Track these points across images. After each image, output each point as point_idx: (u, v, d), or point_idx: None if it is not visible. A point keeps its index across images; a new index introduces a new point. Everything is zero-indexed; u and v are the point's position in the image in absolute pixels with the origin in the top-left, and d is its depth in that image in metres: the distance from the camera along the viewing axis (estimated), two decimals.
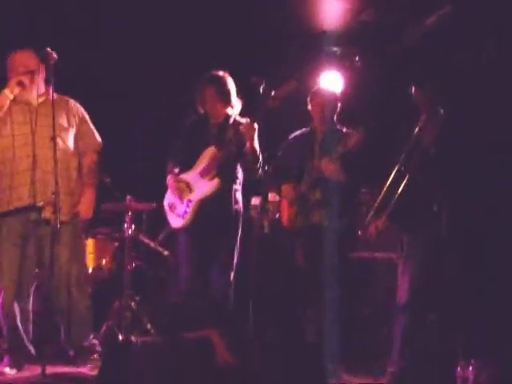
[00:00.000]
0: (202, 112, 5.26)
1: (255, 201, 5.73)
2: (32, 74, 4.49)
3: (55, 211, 4.24)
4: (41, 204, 4.43)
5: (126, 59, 6.43)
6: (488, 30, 5.33)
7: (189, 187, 5.14)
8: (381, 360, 5.04)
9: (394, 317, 4.92)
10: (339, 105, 5.39)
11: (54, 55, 4.40)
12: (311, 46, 6.54)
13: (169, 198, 5.26)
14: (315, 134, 5.39)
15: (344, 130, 5.33)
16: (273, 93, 4.88)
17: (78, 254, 4.67)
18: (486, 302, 4.70)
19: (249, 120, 4.99)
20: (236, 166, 5.19)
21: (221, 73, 5.18)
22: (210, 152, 5.12)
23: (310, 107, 5.40)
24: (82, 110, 4.75)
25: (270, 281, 5.65)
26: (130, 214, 5.79)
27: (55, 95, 4.60)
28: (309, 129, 5.44)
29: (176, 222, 5.20)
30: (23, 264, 4.50)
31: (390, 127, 5.38)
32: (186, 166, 5.21)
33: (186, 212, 5.11)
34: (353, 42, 6.62)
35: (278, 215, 5.72)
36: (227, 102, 5.17)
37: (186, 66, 6.18)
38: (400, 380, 4.70)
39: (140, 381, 3.60)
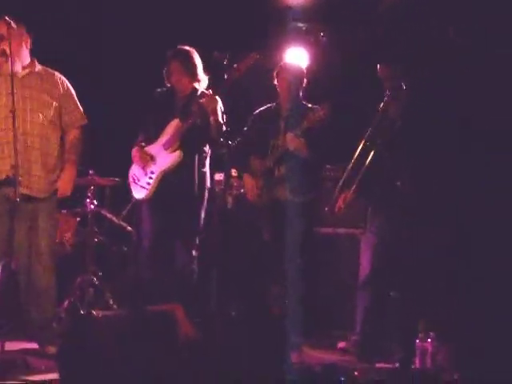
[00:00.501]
0: (169, 86, 5.23)
1: (219, 176, 5.70)
2: (12, 42, 4.34)
3: (15, 185, 4.14)
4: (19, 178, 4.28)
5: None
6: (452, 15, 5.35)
7: (152, 159, 5.12)
8: (343, 333, 5.11)
9: (356, 292, 4.97)
10: (305, 80, 5.38)
11: (13, 24, 4.29)
12: (277, 21, 6.49)
13: (133, 169, 5.25)
14: (281, 109, 5.38)
15: (309, 105, 5.33)
16: (234, 65, 4.87)
17: (51, 230, 4.58)
18: (445, 279, 4.76)
19: (210, 92, 4.98)
20: (201, 139, 5.16)
21: (186, 47, 5.16)
22: (173, 124, 5.12)
23: (276, 82, 5.39)
24: (67, 84, 4.65)
25: (234, 256, 5.64)
26: (92, 188, 5.74)
27: (41, 68, 4.56)
28: (274, 104, 5.43)
29: (139, 193, 5.19)
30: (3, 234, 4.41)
31: (355, 103, 5.41)
32: (153, 138, 5.20)
33: (148, 183, 5.11)
34: (318, 18, 6.59)
35: (242, 190, 5.71)
36: (193, 75, 5.15)
37: (152, 41, 6.09)
38: (362, 348, 4.78)
39: (101, 354, 3.57)
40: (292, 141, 5.11)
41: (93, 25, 6.38)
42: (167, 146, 5.10)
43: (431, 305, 4.65)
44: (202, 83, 5.20)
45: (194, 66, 5.14)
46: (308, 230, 5.25)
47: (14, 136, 4.15)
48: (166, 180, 5.10)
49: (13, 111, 4.17)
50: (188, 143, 5.10)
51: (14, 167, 4.14)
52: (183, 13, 6.29)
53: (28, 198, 4.38)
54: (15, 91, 4.30)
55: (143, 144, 5.22)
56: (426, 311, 4.58)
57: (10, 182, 4.24)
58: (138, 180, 5.18)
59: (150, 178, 5.11)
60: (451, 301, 4.69)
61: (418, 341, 4.40)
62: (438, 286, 4.72)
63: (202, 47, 5.16)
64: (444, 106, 4.72)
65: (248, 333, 4.01)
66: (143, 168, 5.14)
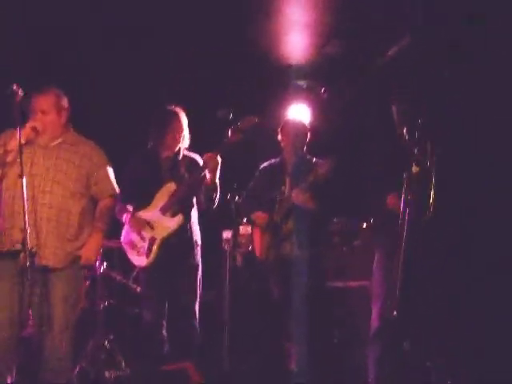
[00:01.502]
0: (152, 147, 5.21)
1: (227, 234, 5.72)
2: (48, 117, 4.43)
3: (25, 250, 4.13)
4: (34, 249, 4.21)
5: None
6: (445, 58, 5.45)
7: (150, 225, 5.10)
8: None
9: (367, 344, 4.93)
10: (309, 135, 5.45)
11: (20, 93, 4.36)
12: (278, 79, 6.61)
13: (127, 236, 5.19)
14: (285, 164, 5.44)
15: (314, 159, 5.38)
16: (232, 128, 4.93)
17: (70, 299, 4.48)
18: (458, 326, 4.72)
19: (214, 152, 4.97)
20: (192, 200, 5.17)
21: (178, 108, 5.21)
22: (169, 188, 5.10)
23: (280, 137, 5.46)
24: (100, 154, 4.65)
25: (244, 314, 5.62)
26: (101, 251, 5.74)
27: (76, 135, 4.59)
28: (278, 159, 5.48)
29: (139, 260, 5.14)
30: (13, 310, 4.33)
31: (358, 157, 5.45)
32: (141, 203, 5.15)
33: (149, 249, 5.05)
34: (318, 75, 6.71)
35: (250, 247, 5.71)
36: (183, 136, 5.19)
37: (143, 99, 6.17)
38: None
39: None
40: (298, 196, 5.15)
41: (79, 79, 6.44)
42: (166, 211, 5.07)
43: (445, 353, 4.60)
44: (185, 143, 5.22)
45: (185, 127, 5.19)
46: (317, 283, 5.24)
47: (22, 199, 4.14)
48: (167, 245, 5.06)
49: (21, 176, 4.17)
50: (184, 206, 5.10)
51: (23, 231, 4.12)
52: (183, 69, 6.39)
53: (44, 269, 4.37)
54: (42, 161, 4.39)
55: (131, 209, 5.17)
56: (441, 359, 4.53)
57: (21, 250, 4.18)
58: (136, 246, 5.13)
59: (151, 244, 5.06)
60: (465, 348, 4.64)
61: None
62: (452, 333, 4.67)
63: (203, 105, 5.23)
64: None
65: None
66: (139, 234, 5.10)
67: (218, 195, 5.08)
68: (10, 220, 4.37)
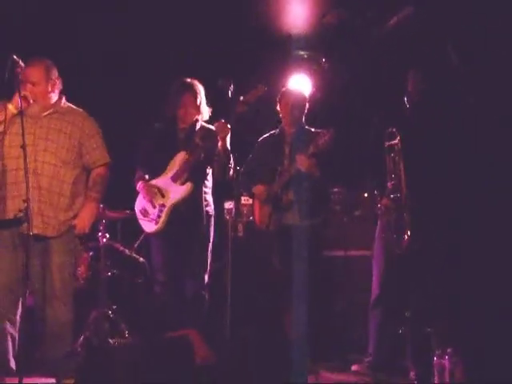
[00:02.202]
0: (170, 117, 5.29)
1: (229, 204, 5.75)
2: (38, 88, 4.46)
3: (27, 220, 4.18)
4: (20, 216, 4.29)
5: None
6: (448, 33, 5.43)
7: (160, 192, 5.18)
8: (358, 357, 5.11)
9: (368, 312, 4.98)
10: (307, 105, 5.45)
11: (21, 63, 4.38)
12: (279, 49, 6.59)
13: (140, 203, 5.29)
14: (284, 134, 5.45)
15: (312, 129, 5.39)
16: (241, 98, 4.94)
17: (66, 267, 4.53)
18: (458, 291, 4.75)
19: (223, 120, 5.01)
20: (205, 169, 5.22)
21: (195, 81, 5.25)
22: (180, 157, 5.18)
23: (278, 108, 5.46)
24: (91, 123, 4.66)
25: (246, 283, 5.66)
26: (104, 222, 5.79)
27: (67, 105, 4.61)
28: (278, 130, 5.49)
29: (149, 226, 5.22)
30: (8, 277, 4.41)
31: (355, 128, 5.47)
32: (155, 171, 5.25)
33: (159, 216, 5.14)
34: (319, 45, 6.69)
35: (251, 218, 5.74)
36: (199, 108, 5.24)
37: (152, 70, 6.19)
38: (376, 368, 4.77)
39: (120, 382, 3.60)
40: (304, 162, 5.14)
41: (91, 54, 6.45)
42: (176, 179, 5.15)
43: (446, 319, 4.64)
44: (204, 115, 5.29)
45: (201, 99, 5.24)
46: (319, 252, 5.28)
47: (25, 170, 4.19)
48: (176, 211, 5.14)
49: (24, 147, 4.22)
50: (196, 174, 5.15)
51: (26, 202, 4.17)
52: (183, 42, 6.38)
53: (40, 237, 4.41)
54: (32, 131, 4.40)
55: (146, 177, 5.27)
56: (441, 326, 4.57)
57: (22, 219, 4.26)
58: (147, 213, 5.22)
59: (161, 210, 5.15)
60: (467, 314, 4.67)
61: (435, 358, 4.37)
62: (452, 299, 4.71)
63: (204, 75, 5.24)
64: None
65: (262, 356, 4.02)
66: (151, 201, 5.19)
67: (231, 164, 5.10)
68: (5, 190, 4.41)
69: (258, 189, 5.40)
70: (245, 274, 5.68)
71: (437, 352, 4.37)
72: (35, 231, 4.33)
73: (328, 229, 5.52)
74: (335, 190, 5.82)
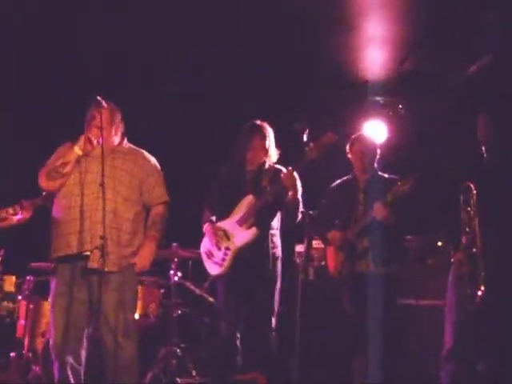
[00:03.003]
0: (239, 159, 5.32)
1: (300, 248, 5.74)
2: (103, 132, 4.56)
3: (102, 255, 4.27)
4: (87, 253, 4.44)
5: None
6: None
7: (226, 235, 5.18)
8: None
9: (441, 364, 4.87)
10: (378, 151, 5.42)
11: (104, 104, 4.52)
12: (356, 94, 6.61)
13: (206, 245, 5.29)
14: (357, 181, 5.41)
15: (386, 176, 5.36)
16: (311, 144, 4.95)
17: (127, 302, 4.58)
18: None
19: (290, 168, 5.02)
20: (273, 214, 5.22)
21: (265, 123, 5.29)
22: (247, 200, 5.17)
23: (349, 155, 5.45)
24: (151, 162, 4.77)
25: (315, 327, 5.61)
26: (176, 260, 5.86)
27: (129, 146, 4.75)
28: (350, 176, 5.47)
29: (214, 269, 5.21)
30: (70, 312, 4.48)
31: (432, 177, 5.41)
32: (223, 213, 5.26)
33: (223, 259, 5.12)
34: (396, 91, 6.68)
35: (323, 262, 5.71)
36: (267, 151, 5.27)
37: (228, 114, 6.28)
38: None
39: None
40: (380, 210, 5.09)
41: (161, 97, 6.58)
42: (242, 223, 5.13)
43: None
44: (272, 157, 5.31)
45: (270, 142, 5.27)
46: (392, 301, 5.19)
47: (103, 209, 4.32)
48: (242, 255, 5.11)
49: (102, 184, 4.34)
50: (262, 219, 5.14)
51: (102, 238, 4.28)
52: (260, 85, 6.46)
53: (97, 272, 4.42)
54: (95, 169, 4.52)
55: (213, 219, 5.30)
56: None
57: (80, 256, 4.42)
58: (213, 256, 5.20)
59: (226, 254, 5.12)
60: None
61: None
62: None
63: (280, 119, 5.28)
64: None
65: None
66: (216, 244, 5.19)
67: (299, 212, 5.10)
68: (66, 226, 4.51)
69: (333, 235, 5.35)
70: (314, 318, 5.64)
71: None
72: (95, 265, 4.40)
73: (402, 277, 5.43)
74: (408, 237, 5.74)
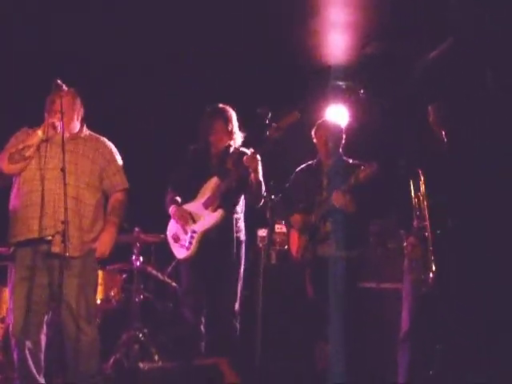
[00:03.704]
0: (204, 142, 5.33)
1: (262, 232, 5.75)
2: (65, 117, 4.52)
3: (64, 240, 4.25)
4: (49, 238, 4.43)
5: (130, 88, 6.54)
6: (488, 61, 5.41)
7: (192, 218, 5.19)
8: None
9: (398, 346, 4.93)
10: (344, 136, 5.45)
11: (64, 87, 4.48)
12: (317, 80, 6.62)
13: (172, 228, 5.31)
14: (321, 166, 5.44)
15: (350, 161, 5.39)
16: (274, 124, 4.96)
17: (88, 287, 4.60)
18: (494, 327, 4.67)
19: (252, 151, 5.05)
20: (238, 195, 5.25)
21: (227, 106, 5.30)
22: (213, 183, 5.20)
23: (314, 140, 5.47)
24: (111, 149, 4.78)
25: (277, 311, 5.64)
26: (138, 245, 5.83)
27: (89, 132, 4.73)
28: (315, 161, 5.50)
29: (181, 252, 5.23)
30: (31, 297, 4.46)
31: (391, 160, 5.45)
32: (188, 196, 5.27)
33: (190, 243, 5.14)
34: (358, 76, 6.70)
35: (286, 246, 5.73)
36: (231, 134, 5.28)
37: (190, 97, 6.26)
38: None
39: None
40: (338, 198, 5.13)
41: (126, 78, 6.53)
42: (208, 205, 5.16)
43: (480, 355, 4.57)
44: (237, 140, 5.33)
45: (233, 125, 5.28)
46: (353, 285, 5.24)
47: (65, 194, 4.29)
48: (207, 238, 5.15)
49: (63, 169, 4.32)
50: (228, 201, 5.17)
51: (64, 222, 4.25)
52: (222, 69, 6.44)
53: (60, 257, 4.42)
54: (56, 155, 4.49)
55: (179, 200, 5.30)
56: (475, 361, 4.50)
57: (42, 241, 4.40)
58: (179, 239, 5.23)
59: (192, 237, 5.15)
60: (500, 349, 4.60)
61: None
62: (487, 335, 4.63)
63: (242, 103, 5.28)
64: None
65: None
66: (183, 227, 5.21)
67: (263, 193, 5.13)
68: (27, 211, 4.48)
69: (296, 218, 5.38)
70: (276, 302, 5.67)
71: None
72: (57, 250, 4.39)
73: (364, 261, 5.48)
74: (371, 222, 5.78)
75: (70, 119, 4.63)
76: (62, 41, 6.19)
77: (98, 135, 4.79)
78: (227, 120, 5.26)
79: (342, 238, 5.16)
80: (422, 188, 4.69)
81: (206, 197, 5.18)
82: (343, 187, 5.14)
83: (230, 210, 5.17)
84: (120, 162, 4.80)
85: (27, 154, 4.50)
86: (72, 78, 4.54)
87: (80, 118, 4.73)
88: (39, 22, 6.05)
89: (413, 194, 4.70)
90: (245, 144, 5.33)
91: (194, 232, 5.16)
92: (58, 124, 4.51)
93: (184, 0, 5.90)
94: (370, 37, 6.30)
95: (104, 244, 4.61)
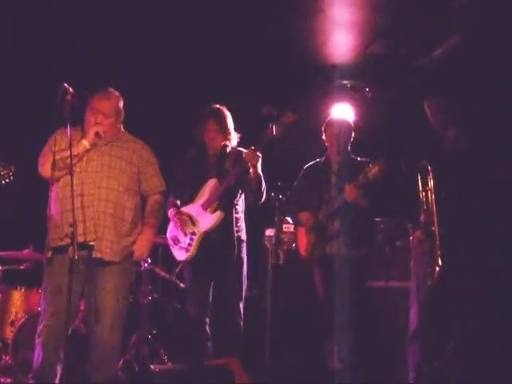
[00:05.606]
0: (201, 144, 5.34)
1: (269, 232, 5.75)
2: (109, 120, 4.54)
3: (72, 243, 4.19)
4: (92, 243, 4.39)
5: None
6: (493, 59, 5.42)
7: (192, 220, 5.20)
8: None
9: (407, 344, 4.92)
10: (353, 134, 5.45)
11: (71, 90, 4.45)
12: (322, 79, 6.62)
13: (172, 231, 5.32)
14: (331, 163, 5.44)
15: (358, 159, 5.39)
16: (271, 124, 4.96)
17: (122, 292, 4.54)
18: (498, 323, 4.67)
19: (252, 148, 5.05)
20: (236, 195, 5.25)
21: (221, 107, 5.31)
22: (211, 184, 5.21)
23: (324, 137, 5.47)
24: (149, 152, 4.75)
25: (286, 311, 5.64)
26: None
27: (126, 135, 4.70)
28: (323, 158, 5.49)
29: (180, 255, 5.25)
30: (64, 302, 4.24)
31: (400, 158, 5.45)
32: (187, 199, 5.29)
33: (190, 245, 5.16)
34: (363, 75, 6.70)
35: (294, 245, 5.73)
36: (226, 134, 5.28)
37: (191, 98, 6.25)
38: None
39: None
40: (352, 192, 5.10)
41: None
42: (206, 207, 5.17)
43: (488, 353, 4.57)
44: (233, 141, 5.33)
45: (228, 125, 5.29)
46: (362, 283, 5.24)
47: (72, 194, 4.24)
48: (207, 240, 5.16)
49: (71, 174, 4.27)
50: (226, 202, 5.18)
51: (72, 225, 4.18)
52: (228, 70, 6.44)
53: (101, 262, 4.44)
54: (95, 158, 4.50)
55: (178, 204, 5.31)
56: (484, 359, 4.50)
57: (84, 246, 4.35)
58: (179, 241, 5.25)
59: (191, 239, 5.17)
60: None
61: None
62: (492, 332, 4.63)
63: (246, 103, 5.28)
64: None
65: None
66: (182, 229, 5.22)
67: (263, 190, 5.13)
68: (66, 216, 4.42)
69: (304, 216, 5.38)
70: (285, 301, 5.67)
71: None
72: (98, 255, 4.39)
73: (372, 260, 5.48)
74: (377, 220, 5.78)
75: (113, 123, 4.60)
76: (61, 40, 6.19)
77: (135, 137, 4.76)
78: (220, 119, 5.26)
79: (350, 236, 5.16)
80: (430, 183, 4.70)
81: (204, 198, 5.20)
82: (353, 184, 5.12)
83: (229, 210, 5.17)
84: (157, 163, 4.78)
85: (73, 163, 4.37)
86: (72, 78, 4.51)
87: (120, 121, 4.70)
88: (39, 21, 6.03)
89: (420, 189, 4.72)
90: (245, 144, 5.32)
91: (193, 234, 5.18)
92: (102, 133, 4.49)
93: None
94: (374, 36, 6.29)
95: (142, 247, 4.59)
